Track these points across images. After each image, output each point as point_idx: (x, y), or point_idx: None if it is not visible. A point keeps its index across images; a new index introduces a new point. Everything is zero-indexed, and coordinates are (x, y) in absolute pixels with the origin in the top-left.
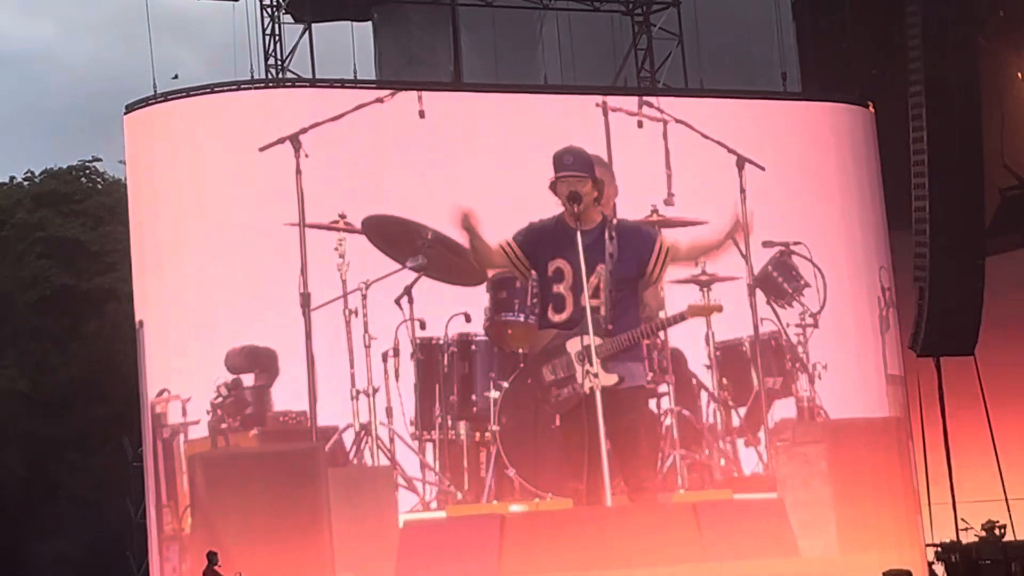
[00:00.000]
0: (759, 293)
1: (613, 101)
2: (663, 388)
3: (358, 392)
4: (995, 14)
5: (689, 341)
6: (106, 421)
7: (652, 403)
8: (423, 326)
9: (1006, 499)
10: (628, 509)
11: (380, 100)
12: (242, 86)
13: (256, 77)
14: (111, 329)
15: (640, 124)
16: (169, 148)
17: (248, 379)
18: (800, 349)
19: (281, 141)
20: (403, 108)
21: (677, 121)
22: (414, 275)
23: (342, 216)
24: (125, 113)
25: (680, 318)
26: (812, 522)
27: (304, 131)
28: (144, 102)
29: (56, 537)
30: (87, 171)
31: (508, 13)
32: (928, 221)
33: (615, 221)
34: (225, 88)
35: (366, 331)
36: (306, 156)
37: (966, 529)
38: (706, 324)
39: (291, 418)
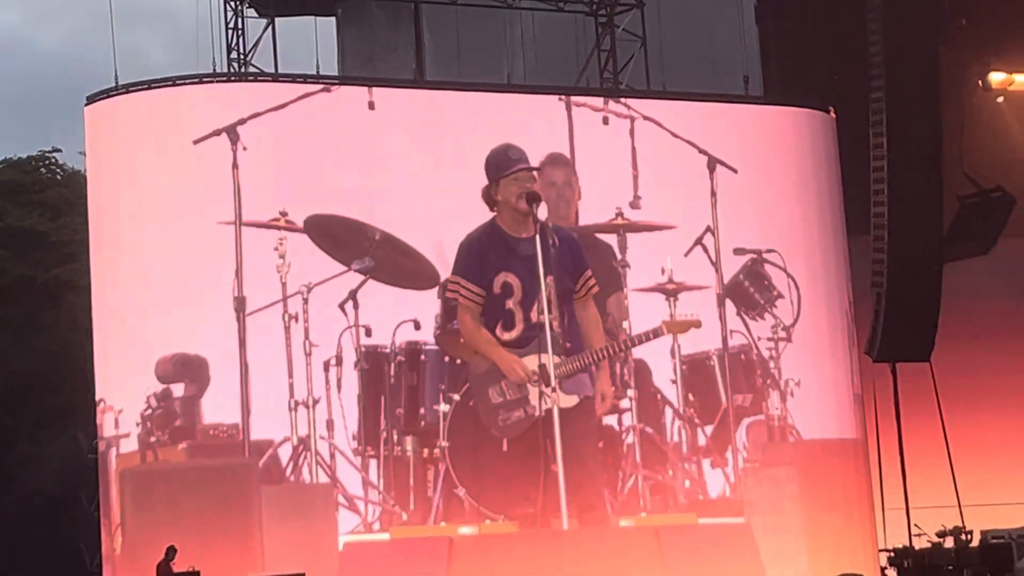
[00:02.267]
0: (729, 304)
1: (577, 97)
2: (625, 403)
3: (296, 404)
4: (956, 22)
5: (654, 354)
6: (61, 413)
7: (613, 420)
8: (368, 333)
9: (959, 505)
10: (586, 533)
11: (327, 89)
12: (204, 79)
13: (219, 71)
14: (68, 321)
15: (606, 121)
16: (129, 140)
17: (178, 389)
18: (772, 364)
19: (216, 133)
20: (352, 99)
21: (645, 118)
22: (360, 278)
23: (283, 214)
24: (86, 104)
25: (654, 335)
26: (782, 550)
27: (242, 122)
28: (105, 93)
29: (8, 528)
30: (47, 162)
31: (472, 12)
32: (886, 227)
33: (552, 225)
34: (187, 81)
35: (307, 338)
36: (243, 149)
37: (919, 535)
38: (672, 336)
39: (222, 431)
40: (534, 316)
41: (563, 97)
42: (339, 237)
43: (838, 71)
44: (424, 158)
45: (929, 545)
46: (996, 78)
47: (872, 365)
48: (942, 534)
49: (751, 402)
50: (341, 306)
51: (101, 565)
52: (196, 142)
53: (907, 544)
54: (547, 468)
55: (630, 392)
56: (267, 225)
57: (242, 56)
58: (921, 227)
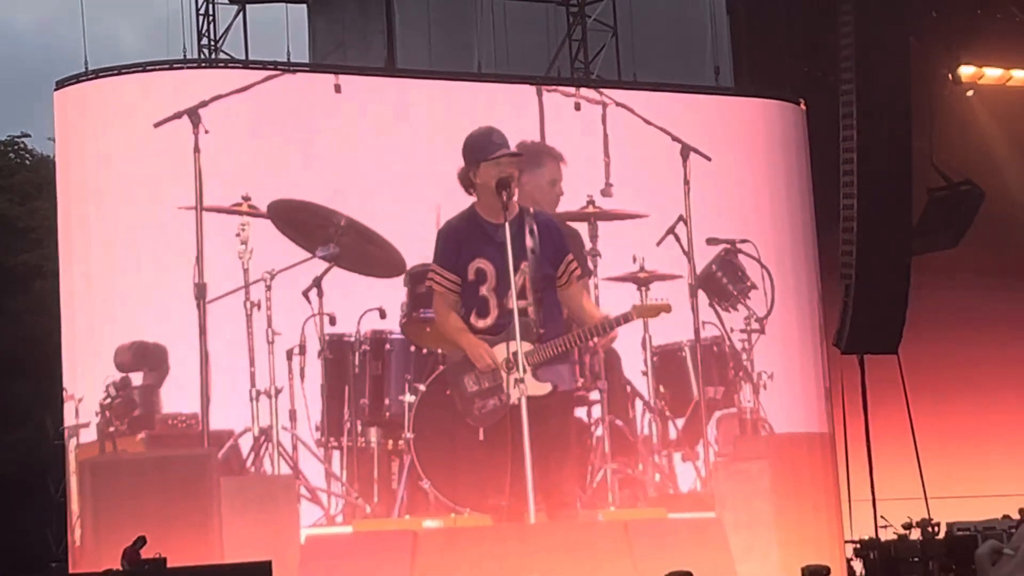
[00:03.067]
0: (701, 294)
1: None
2: (594, 395)
3: (258, 393)
4: (927, 14)
5: (624, 344)
6: (29, 399)
7: (582, 412)
8: (333, 321)
9: (925, 497)
10: (553, 527)
11: (291, 71)
12: (174, 65)
13: (189, 57)
14: (36, 306)
15: (577, 107)
16: (98, 126)
17: (137, 378)
18: (744, 356)
19: (178, 116)
20: (318, 83)
21: (618, 104)
22: (325, 265)
23: (246, 199)
24: (55, 89)
25: (624, 320)
26: (752, 544)
27: (204, 105)
28: (75, 79)
29: None
30: (16, 147)
31: (442, 1)
32: (856, 219)
33: (532, 211)
34: (157, 67)
35: (269, 326)
36: (206, 132)
37: (885, 527)
38: (643, 326)
39: (181, 421)
40: (509, 303)
41: (533, 83)
42: (303, 223)
43: (809, 63)
44: (392, 145)
45: (895, 537)
46: (966, 72)
47: (840, 357)
48: (908, 526)
49: (723, 395)
50: (305, 294)
51: (67, 552)
52: (157, 125)
53: (873, 536)
54: (517, 459)
55: (599, 384)
56: (229, 210)
57: (213, 43)
58: (890, 220)
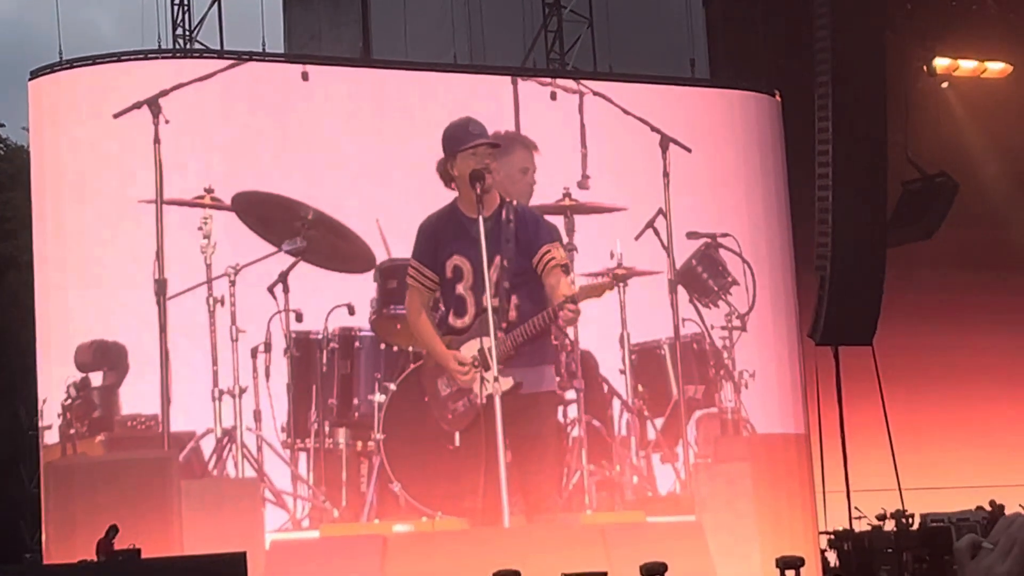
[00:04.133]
0: (681, 290)
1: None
2: (570, 395)
3: (221, 393)
4: (902, 8)
5: (601, 342)
6: (2, 389)
7: (558, 411)
8: (299, 318)
9: (899, 489)
10: (528, 531)
11: (266, 60)
12: (149, 55)
13: (164, 47)
14: (9, 297)
15: (553, 96)
16: (72, 116)
17: (97, 378)
18: (726, 355)
19: (137, 106)
20: (285, 71)
21: (595, 94)
22: (291, 259)
23: (208, 191)
24: (29, 79)
25: (572, 302)
26: (733, 548)
27: (164, 94)
28: (49, 68)
29: None
30: None
31: None
32: (831, 211)
33: (515, 203)
34: (131, 57)
35: (233, 323)
36: (166, 122)
37: (859, 518)
38: (621, 324)
39: (140, 422)
40: (486, 301)
41: (509, 76)
42: (269, 216)
43: (784, 55)
44: (362, 135)
45: (869, 528)
46: (941, 64)
47: (814, 348)
48: (882, 517)
49: (703, 394)
50: (270, 289)
51: (41, 543)
52: (116, 115)
53: (847, 527)
54: (491, 459)
55: (576, 383)
56: (191, 203)
57: (188, 32)
58: (865, 212)
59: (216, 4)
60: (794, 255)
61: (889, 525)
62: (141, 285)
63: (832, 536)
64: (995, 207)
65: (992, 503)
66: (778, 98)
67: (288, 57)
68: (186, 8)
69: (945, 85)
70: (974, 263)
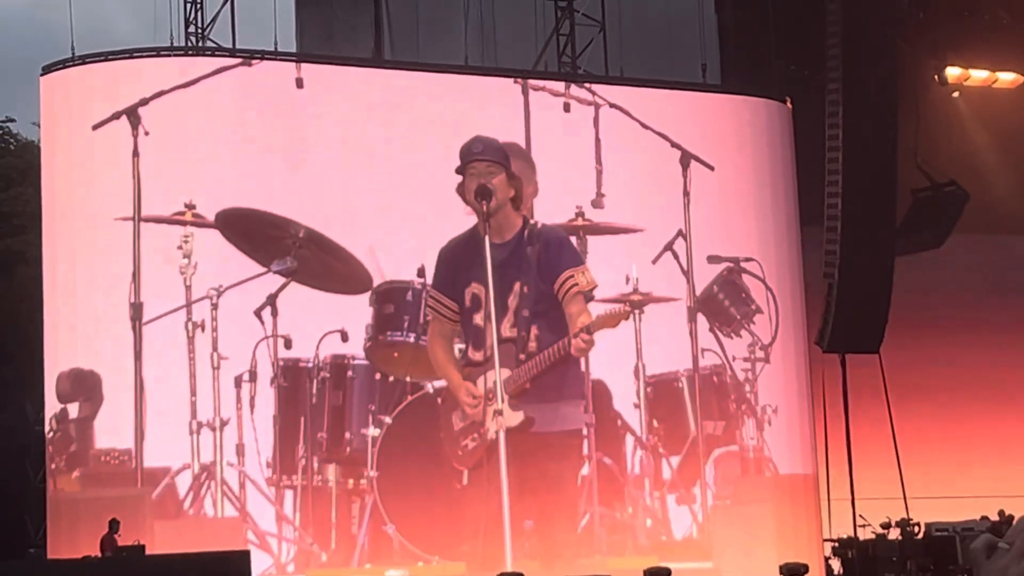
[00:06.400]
0: (701, 318)
1: (535, 80)
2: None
3: (199, 425)
4: (914, 16)
5: (614, 373)
6: (10, 384)
7: (576, 453)
8: (288, 344)
9: (904, 496)
10: None
11: (248, 63)
12: (161, 52)
13: (176, 44)
14: (18, 291)
15: (567, 107)
16: (85, 112)
17: (74, 409)
18: (748, 388)
19: (116, 116)
20: (276, 77)
21: (611, 106)
22: (280, 280)
23: (190, 206)
24: (42, 74)
25: (587, 332)
26: None
27: (144, 103)
28: (61, 64)
29: None
30: (0, 131)
31: None
32: (840, 218)
33: (539, 224)
34: (144, 54)
35: (215, 349)
36: (146, 134)
37: (864, 525)
38: (636, 354)
39: (113, 457)
40: (505, 330)
41: (519, 80)
42: (256, 234)
43: (795, 62)
44: (361, 147)
45: (873, 536)
46: (952, 73)
47: (821, 356)
48: (887, 525)
49: (723, 430)
50: (257, 313)
51: (46, 537)
52: (96, 127)
53: (852, 535)
54: (493, 498)
55: (587, 417)
56: (170, 220)
57: (200, 30)
58: (874, 219)
59: (229, 3)
60: (802, 262)
61: (894, 533)
62: (117, 309)
63: (836, 544)
64: (1005, 216)
65: (1001, 512)
66: (788, 105)
67: (300, 57)
68: (199, 7)
69: (956, 94)
70: (983, 272)
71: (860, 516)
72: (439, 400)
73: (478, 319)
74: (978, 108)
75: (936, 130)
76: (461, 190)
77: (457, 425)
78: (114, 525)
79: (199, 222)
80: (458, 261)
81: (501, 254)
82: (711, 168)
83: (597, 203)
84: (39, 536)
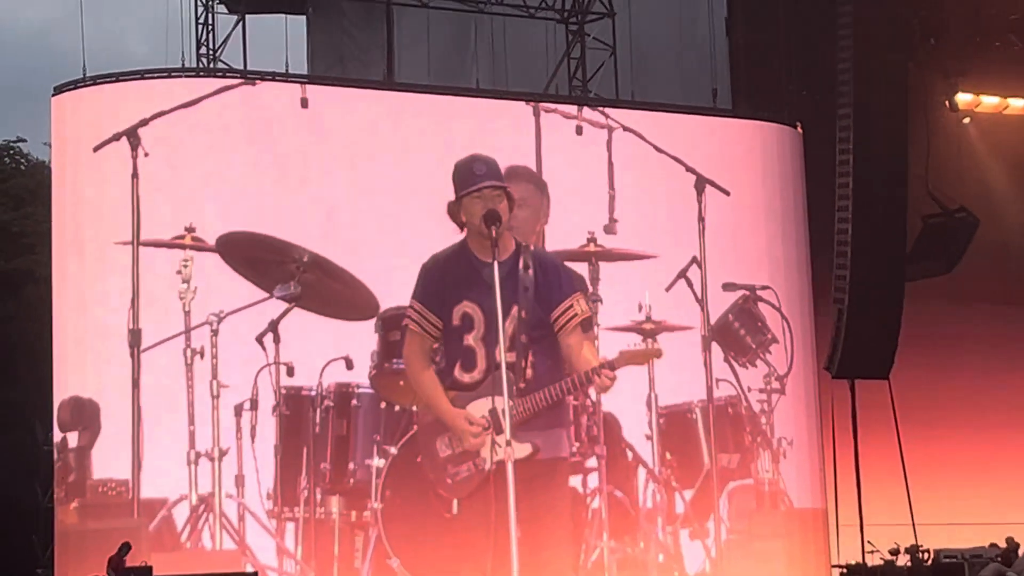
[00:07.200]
0: (715, 348)
1: (547, 103)
2: (591, 462)
3: (198, 455)
4: (925, 42)
5: (626, 404)
6: (18, 404)
7: (577, 481)
8: (291, 372)
9: (913, 524)
10: None
11: (251, 83)
12: (172, 74)
13: (187, 65)
14: (27, 311)
15: (579, 131)
16: (95, 133)
17: (73, 439)
18: (763, 420)
19: (116, 138)
20: (280, 97)
21: (625, 129)
22: (283, 306)
23: (189, 230)
24: (53, 95)
25: (610, 368)
26: None
27: (144, 123)
28: (72, 84)
29: None
30: (11, 151)
31: (442, 16)
32: (850, 244)
33: (532, 248)
34: (155, 75)
35: (214, 377)
36: (145, 155)
37: (872, 552)
38: (648, 384)
39: (111, 488)
40: (499, 354)
41: (531, 103)
42: (258, 258)
43: (806, 87)
44: (367, 169)
45: (882, 562)
46: (963, 99)
47: (830, 381)
48: (895, 552)
49: (738, 463)
50: (259, 339)
51: (52, 558)
52: (96, 149)
53: (860, 561)
54: (500, 532)
55: (597, 448)
56: (169, 244)
57: (211, 52)
58: (885, 245)
59: (240, 24)
60: (812, 287)
61: (903, 560)
62: (115, 335)
63: (844, 570)
64: (1015, 243)
65: (1010, 540)
66: (799, 130)
67: (309, 79)
68: (210, 28)
69: (967, 120)
70: (993, 298)
71: (869, 542)
72: (414, 425)
73: (469, 340)
74: (989, 134)
75: (947, 156)
76: (456, 209)
77: (443, 452)
78: (124, 548)
79: (199, 246)
80: (446, 277)
81: (499, 275)
82: (727, 193)
83: (610, 229)
84: (47, 556)
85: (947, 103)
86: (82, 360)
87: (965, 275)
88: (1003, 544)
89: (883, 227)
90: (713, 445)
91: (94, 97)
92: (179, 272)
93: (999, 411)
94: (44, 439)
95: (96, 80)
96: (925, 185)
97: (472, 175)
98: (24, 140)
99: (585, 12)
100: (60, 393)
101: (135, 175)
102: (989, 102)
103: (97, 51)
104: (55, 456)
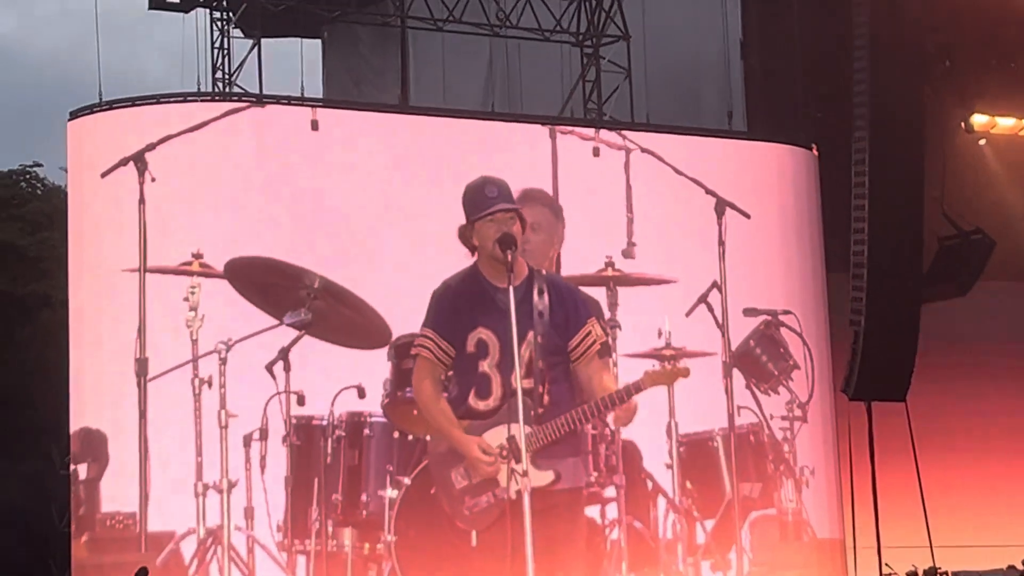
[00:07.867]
0: (737, 374)
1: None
2: (610, 492)
3: (206, 487)
4: (941, 64)
5: (645, 432)
6: (35, 429)
7: (595, 511)
8: (301, 401)
9: (930, 546)
10: None
11: (260, 105)
12: (188, 98)
13: (203, 90)
14: (44, 336)
15: (596, 152)
16: (110, 158)
17: (83, 470)
18: (786, 448)
19: (123, 163)
20: (290, 120)
21: (643, 151)
22: (294, 334)
23: (197, 256)
24: (69, 119)
25: (635, 390)
26: None
27: (151, 147)
28: (88, 109)
29: None
30: (27, 176)
31: (457, 40)
32: (866, 266)
33: (545, 272)
34: (171, 100)
35: (223, 406)
36: (152, 180)
37: (890, 574)
38: (668, 411)
39: (118, 521)
40: (515, 381)
41: (547, 125)
42: (269, 284)
43: (822, 108)
44: (380, 193)
45: None
46: (979, 120)
47: (847, 404)
48: (913, 574)
49: (760, 492)
50: (269, 368)
51: None
52: (104, 175)
53: None
54: (517, 563)
55: (616, 478)
56: (176, 271)
57: (227, 76)
58: (901, 267)
59: (256, 49)
60: (827, 308)
61: None
62: (122, 365)
63: None
64: None
65: None
66: (815, 152)
67: (326, 103)
68: (226, 53)
69: (982, 142)
70: (1009, 320)
71: (886, 564)
72: (424, 457)
73: (484, 366)
74: (1005, 155)
75: (962, 177)
76: (468, 233)
77: (459, 483)
78: (141, 573)
79: (207, 272)
80: (459, 303)
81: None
82: (747, 216)
83: (628, 253)
84: None
85: (963, 125)
86: (94, 388)
87: (981, 296)
88: (1020, 566)
89: (899, 249)
90: (735, 474)
91: (110, 121)
92: (186, 299)
93: (1017, 433)
94: (60, 464)
95: (112, 105)
96: (940, 206)
97: (485, 198)
98: (40, 165)
99: (600, 35)
100: (76, 420)
101: (142, 200)
102: (1005, 124)
103: (113, 76)
104: (70, 487)
